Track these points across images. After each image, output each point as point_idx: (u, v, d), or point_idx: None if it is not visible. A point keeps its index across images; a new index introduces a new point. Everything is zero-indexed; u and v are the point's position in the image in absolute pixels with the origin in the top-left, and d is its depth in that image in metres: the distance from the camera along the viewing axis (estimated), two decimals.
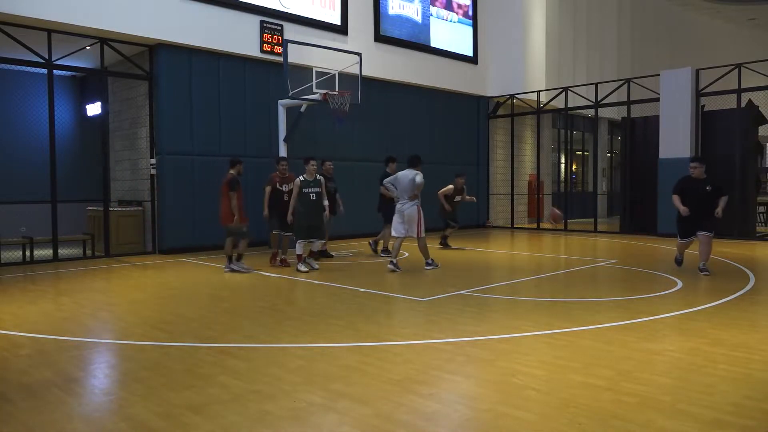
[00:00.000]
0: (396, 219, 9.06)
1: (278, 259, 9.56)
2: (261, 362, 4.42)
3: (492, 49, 17.80)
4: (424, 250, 9.20)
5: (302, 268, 8.90)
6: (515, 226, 17.61)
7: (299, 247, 8.99)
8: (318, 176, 9.09)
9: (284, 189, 9.28)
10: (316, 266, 9.22)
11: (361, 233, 14.09)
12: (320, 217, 9.12)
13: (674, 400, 3.56)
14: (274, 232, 9.55)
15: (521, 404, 3.51)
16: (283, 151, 12.11)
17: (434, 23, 16.20)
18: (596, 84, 16.00)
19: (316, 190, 8.97)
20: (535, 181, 18.15)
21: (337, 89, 11.63)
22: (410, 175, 8.95)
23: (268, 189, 9.31)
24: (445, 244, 12.04)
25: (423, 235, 9.09)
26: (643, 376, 4.00)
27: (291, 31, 12.72)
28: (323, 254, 10.42)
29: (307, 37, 12.70)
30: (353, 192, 14.20)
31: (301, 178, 8.92)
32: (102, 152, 11.51)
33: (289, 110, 12.06)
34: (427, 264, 9.19)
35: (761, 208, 16.06)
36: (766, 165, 22.48)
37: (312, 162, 9.04)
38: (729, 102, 13.58)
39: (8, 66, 10.91)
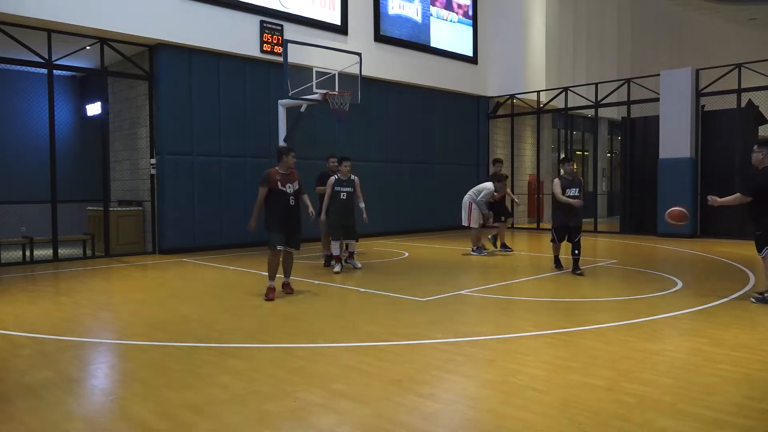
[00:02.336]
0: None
1: (285, 283, 7.29)
2: (261, 362, 4.42)
3: (492, 49, 17.80)
4: (472, 238, 10.97)
5: (338, 269, 8.88)
6: (515, 226, 17.61)
7: (336, 248, 8.98)
8: (352, 176, 9.02)
9: (288, 190, 6.93)
10: (359, 265, 9.20)
11: (360, 233, 14.07)
12: (353, 217, 9.02)
13: (674, 400, 3.56)
14: (278, 247, 6.93)
15: (521, 404, 3.51)
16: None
17: (434, 23, 16.20)
18: (596, 84, 16.00)
19: (348, 189, 8.95)
20: (535, 181, 18.15)
21: (337, 89, 11.63)
22: (483, 184, 10.87)
23: (263, 191, 6.90)
24: (577, 268, 8.48)
25: (472, 226, 10.74)
26: (643, 376, 4.00)
27: (291, 31, 12.72)
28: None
29: (307, 37, 12.70)
30: None
31: (335, 177, 8.96)
32: (102, 152, 11.51)
33: (289, 110, 12.05)
34: (473, 250, 10.88)
35: None
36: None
37: (345, 163, 8.99)
38: (729, 102, 13.58)
39: (8, 66, 10.91)
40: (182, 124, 11.42)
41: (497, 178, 11.00)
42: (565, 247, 8.90)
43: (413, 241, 13.68)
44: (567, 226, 8.50)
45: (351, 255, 9.30)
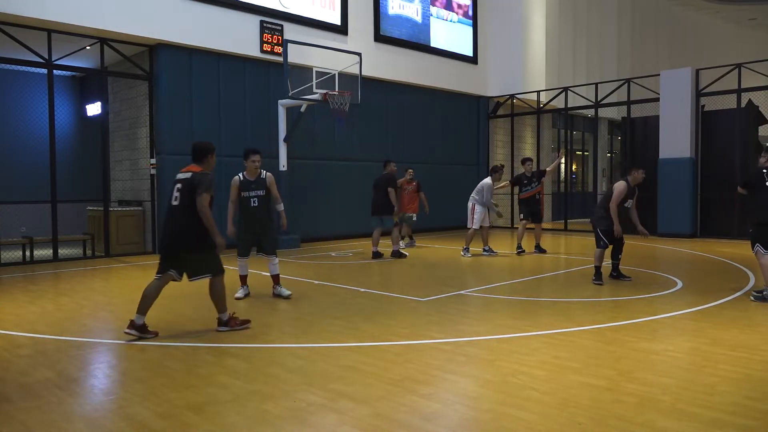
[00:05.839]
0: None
1: None
2: (261, 362, 4.42)
3: (492, 49, 17.80)
4: (467, 238, 10.87)
5: (241, 294, 6.96)
6: (515, 226, 17.60)
7: (243, 266, 7.02)
8: (264, 174, 6.79)
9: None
10: (287, 293, 6.93)
11: (360, 233, 14.09)
12: (270, 227, 6.93)
13: (674, 400, 3.56)
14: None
15: (521, 404, 3.51)
16: (283, 151, 12.09)
17: (434, 23, 16.20)
18: (596, 84, 16.00)
19: (259, 193, 6.73)
20: None
21: (337, 89, 11.64)
22: (482, 182, 10.90)
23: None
24: (621, 273, 8.06)
25: (472, 227, 10.77)
26: (643, 376, 4.00)
27: (291, 31, 12.72)
28: (398, 255, 10.43)
29: (307, 37, 12.70)
30: (352, 192, 14.21)
31: (240, 176, 6.79)
32: (102, 152, 11.52)
33: (289, 110, 12.06)
34: (464, 250, 10.85)
35: None
36: None
37: (254, 158, 6.71)
38: (729, 102, 13.58)
39: (8, 66, 10.91)
40: (182, 124, 11.42)
41: (494, 170, 10.99)
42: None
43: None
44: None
45: (276, 280, 7.00)
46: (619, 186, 7.64)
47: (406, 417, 3.34)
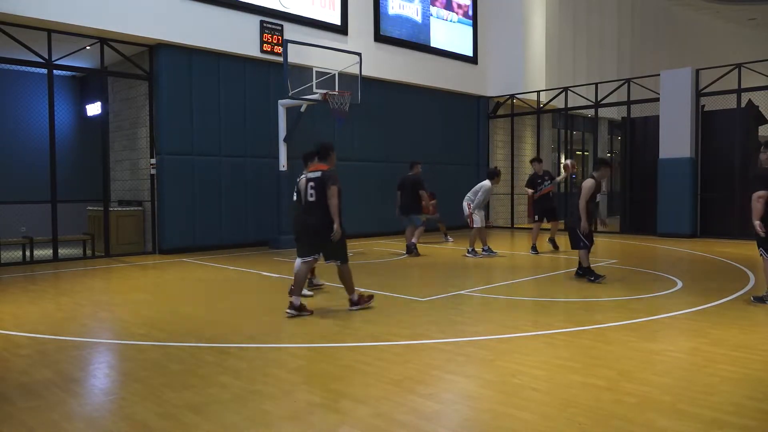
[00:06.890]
0: None
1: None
2: (261, 362, 4.42)
3: (492, 49, 17.80)
4: (470, 239, 10.84)
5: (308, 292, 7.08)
6: (515, 226, 17.61)
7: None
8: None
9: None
10: (310, 293, 7.11)
11: (360, 233, 14.09)
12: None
13: (674, 400, 3.56)
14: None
15: (521, 404, 3.51)
16: (283, 151, 12.10)
17: (434, 23, 16.20)
18: (596, 84, 15.99)
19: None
20: None
21: (337, 89, 11.64)
22: (480, 184, 10.85)
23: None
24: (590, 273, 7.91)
25: (474, 226, 10.68)
26: (643, 376, 4.00)
27: (291, 31, 12.72)
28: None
29: (307, 37, 12.70)
30: (352, 192, 14.20)
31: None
32: (102, 152, 11.52)
33: (289, 110, 12.06)
34: (468, 252, 10.75)
35: None
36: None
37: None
38: (729, 102, 13.58)
39: (8, 66, 10.91)
40: (182, 124, 11.42)
41: (496, 173, 10.93)
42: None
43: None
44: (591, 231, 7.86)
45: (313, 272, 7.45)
46: (587, 183, 7.72)
47: (406, 417, 3.34)
